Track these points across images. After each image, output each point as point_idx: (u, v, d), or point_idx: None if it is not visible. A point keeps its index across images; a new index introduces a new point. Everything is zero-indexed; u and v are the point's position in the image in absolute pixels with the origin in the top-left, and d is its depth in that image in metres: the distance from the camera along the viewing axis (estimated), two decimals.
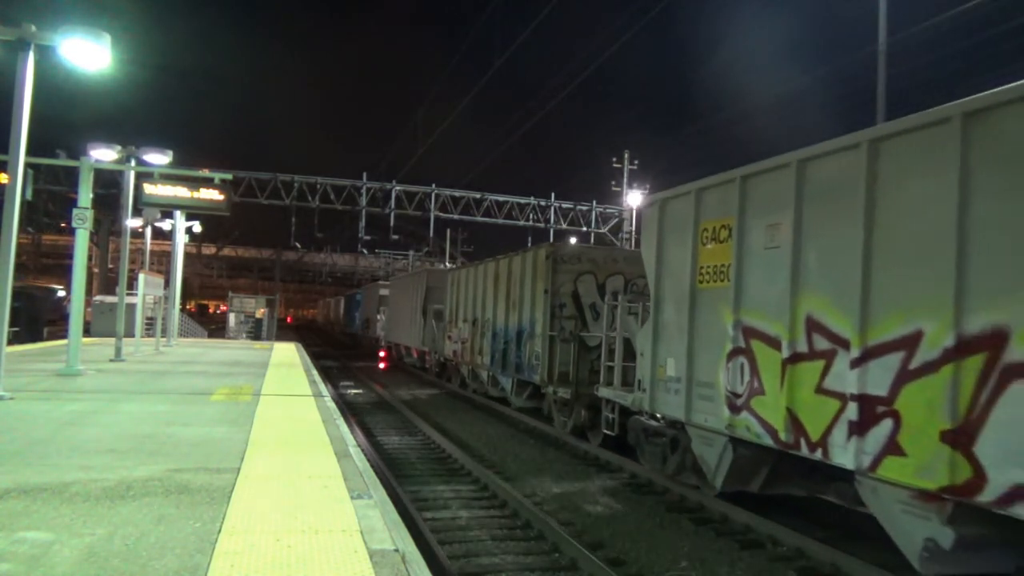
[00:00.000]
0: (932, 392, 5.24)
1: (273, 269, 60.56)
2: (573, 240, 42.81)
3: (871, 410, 5.77)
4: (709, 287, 7.99)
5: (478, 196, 41.71)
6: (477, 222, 42.96)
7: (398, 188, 40.79)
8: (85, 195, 12.25)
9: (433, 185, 41.38)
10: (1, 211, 8.84)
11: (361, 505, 4.68)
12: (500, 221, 42.23)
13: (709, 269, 7.99)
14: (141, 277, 18.50)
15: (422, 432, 13.61)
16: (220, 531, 3.98)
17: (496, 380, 17.14)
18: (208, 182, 12.81)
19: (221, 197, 12.66)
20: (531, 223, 42.37)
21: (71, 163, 14.66)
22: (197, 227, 24.93)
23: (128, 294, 16.30)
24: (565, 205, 42.97)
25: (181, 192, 12.54)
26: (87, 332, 20.59)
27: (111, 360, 14.88)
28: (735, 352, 7.48)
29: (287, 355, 19.93)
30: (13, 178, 8.85)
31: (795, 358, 6.63)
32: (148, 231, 19.45)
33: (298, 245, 52.25)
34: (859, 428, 5.86)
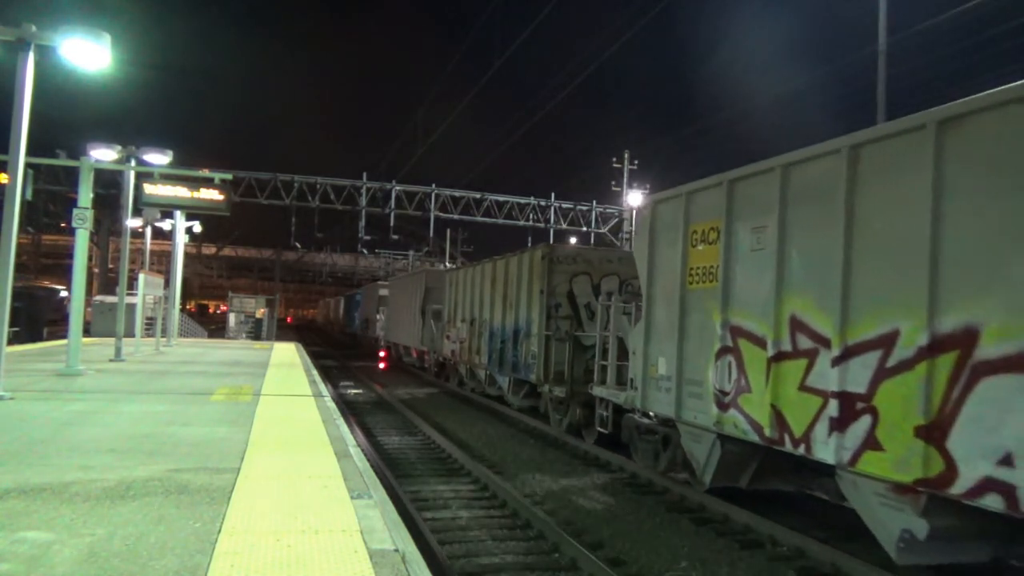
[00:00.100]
0: (908, 389, 5.44)
1: (273, 269, 60.54)
2: (573, 240, 42.88)
3: (851, 407, 5.97)
4: (698, 288, 8.19)
5: (478, 196, 41.71)
6: (477, 222, 43.00)
7: (398, 188, 40.79)
8: (85, 195, 12.25)
9: (433, 185, 41.39)
10: (1, 211, 8.84)
11: (361, 505, 4.68)
12: (500, 221, 42.23)
13: (699, 270, 8.20)
14: (141, 277, 18.51)
15: (422, 432, 13.61)
16: (220, 531, 3.98)
17: (493, 379, 17.24)
18: (208, 182, 12.81)
19: (221, 197, 12.66)
20: (531, 223, 42.36)
21: (71, 163, 14.65)
22: (197, 227, 24.92)
23: (128, 294, 16.30)
24: (565, 205, 42.96)
25: (181, 192, 12.55)
26: (87, 332, 20.59)
27: (111, 360, 14.88)
28: (723, 351, 7.69)
29: (287, 355, 19.93)
30: (13, 178, 8.85)
31: (779, 357, 6.84)
32: (148, 231, 19.44)
33: (298, 245, 52.21)
34: (839, 424, 6.07)
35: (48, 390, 9.95)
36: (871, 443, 5.75)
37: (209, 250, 57.15)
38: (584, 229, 42.87)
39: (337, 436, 7.19)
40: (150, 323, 22.26)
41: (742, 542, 7.21)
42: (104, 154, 13.48)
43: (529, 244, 36.47)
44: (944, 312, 5.22)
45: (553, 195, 42.80)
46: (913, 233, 5.47)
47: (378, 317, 33.49)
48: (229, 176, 13.31)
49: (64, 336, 17.25)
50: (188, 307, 52.09)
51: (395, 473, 9.97)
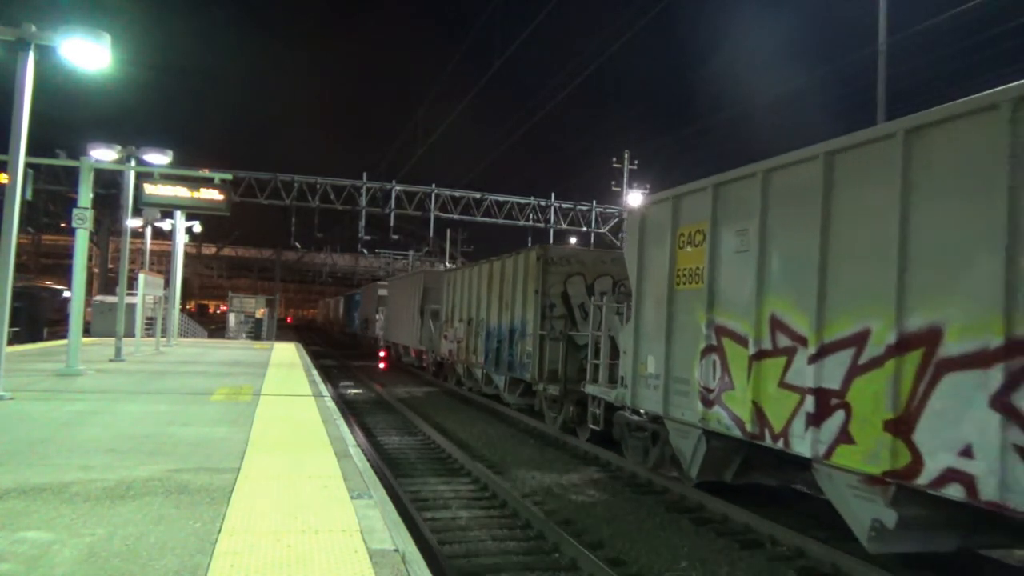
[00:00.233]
0: (877, 385, 5.69)
1: (273, 269, 60.51)
2: (573, 240, 42.88)
3: (826, 402, 6.23)
4: (685, 288, 8.46)
5: (478, 196, 41.69)
6: (477, 222, 42.97)
7: (398, 188, 40.78)
8: (85, 195, 12.25)
9: (433, 185, 41.38)
10: (1, 211, 8.84)
11: (361, 505, 4.68)
12: (500, 221, 42.21)
13: (685, 271, 8.46)
14: (141, 277, 18.52)
15: (422, 432, 13.61)
16: (220, 531, 3.98)
17: (490, 378, 17.38)
18: (208, 182, 12.81)
19: (221, 197, 12.66)
20: (531, 223, 42.34)
21: (71, 163, 14.65)
22: (197, 227, 24.91)
23: (128, 294, 16.30)
24: (565, 205, 42.95)
25: (181, 192, 12.54)
26: (87, 332, 20.60)
27: (111, 360, 14.88)
28: (708, 349, 7.94)
29: (287, 355, 19.94)
30: (13, 178, 8.84)
31: (760, 355, 7.09)
32: (148, 231, 19.45)
33: (298, 245, 52.17)
34: (815, 419, 6.32)
35: (48, 390, 9.95)
36: (844, 437, 6.01)
37: (209, 250, 57.14)
38: (584, 229, 42.86)
39: (337, 436, 7.19)
40: (150, 323, 22.27)
41: (742, 542, 7.22)
42: (104, 154, 13.48)
43: (529, 244, 36.51)
44: (911, 312, 5.48)
45: (553, 195, 42.82)
46: (883, 237, 5.73)
47: (377, 317, 33.51)
48: (229, 176, 13.30)
49: (65, 336, 17.25)
50: (188, 307, 52.06)
51: (395, 473, 9.97)
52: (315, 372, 15.01)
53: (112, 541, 3.75)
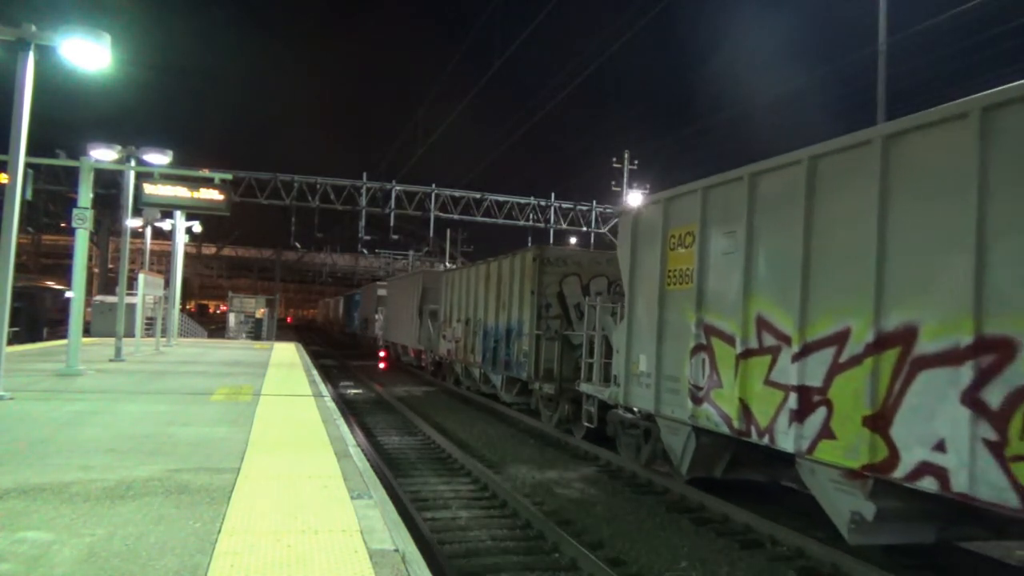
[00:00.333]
0: (857, 382, 5.90)
1: (273, 269, 60.49)
2: (573, 240, 42.87)
3: (808, 399, 6.44)
4: (676, 289, 8.66)
5: (478, 196, 41.65)
6: (477, 222, 42.91)
7: (398, 188, 40.76)
8: (85, 195, 12.25)
9: (433, 185, 41.34)
10: (1, 211, 8.84)
11: (361, 505, 4.68)
12: (500, 221, 42.17)
13: (676, 272, 8.67)
14: (141, 277, 18.51)
15: (422, 432, 13.62)
16: (220, 531, 3.98)
17: (487, 377, 17.51)
18: (208, 182, 12.80)
19: (221, 197, 12.65)
20: (531, 223, 42.31)
21: (71, 163, 14.64)
22: (197, 227, 24.91)
23: (128, 294, 16.30)
24: (565, 205, 42.91)
25: (181, 192, 12.54)
26: (87, 332, 20.59)
27: (111, 360, 14.88)
28: (697, 348, 8.14)
29: (287, 355, 19.94)
30: (13, 178, 8.84)
31: (747, 354, 7.29)
32: (148, 231, 19.44)
33: (298, 245, 52.13)
34: (799, 415, 6.53)
35: (48, 390, 9.95)
36: (826, 432, 6.21)
37: (209, 250, 57.12)
38: (584, 229, 42.83)
39: (337, 436, 7.19)
40: (150, 323, 22.27)
41: (742, 542, 7.22)
42: (104, 154, 13.47)
43: (529, 244, 36.48)
44: (888, 312, 5.68)
45: (553, 195, 42.77)
46: (863, 238, 5.92)
47: (377, 317, 33.54)
48: (229, 176, 13.30)
49: (65, 336, 17.24)
50: (188, 307, 52.08)
51: (395, 473, 9.97)
52: (315, 372, 15.01)
53: (112, 541, 3.75)
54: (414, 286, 25.53)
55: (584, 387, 11.46)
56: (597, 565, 6.28)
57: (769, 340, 6.98)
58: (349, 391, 20.52)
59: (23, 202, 9.20)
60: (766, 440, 6.94)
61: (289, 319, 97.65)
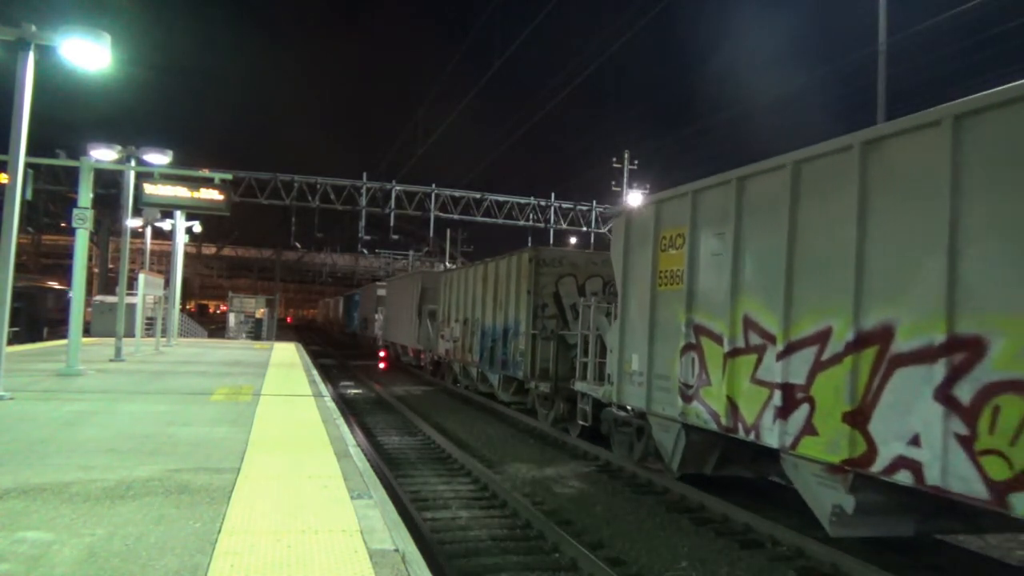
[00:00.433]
0: (837, 380, 6.08)
1: (273, 269, 60.51)
2: (573, 240, 42.87)
3: (792, 396, 6.62)
4: (667, 290, 8.84)
5: (478, 196, 41.64)
6: (477, 222, 42.89)
7: (398, 188, 40.74)
8: (85, 195, 12.25)
9: (433, 185, 41.32)
10: (1, 211, 8.84)
11: (361, 505, 4.68)
12: (500, 221, 42.15)
13: (667, 273, 8.84)
14: (141, 277, 18.51)
15: (422, 432, 13.62)
16: (220, 531, 3.98)
17: (485, 377, 17.64)
18: (208, 182, 12.81)
19: (221, 197, 12.66)
20: (531, 223, 42.30)
21: (71, 163, 14.65)
22: (197, 227, 24.92)
23: (128, 294, 16.30)
24: (565, 205, 42.90)
25: (181, 192, 12.54)
26: (87, 332, 20.59)
27: (111, 360, 14.88)
28: (687, 347, 8.31)
29: (287, 355, 19.94)
30: (13, 178, 8.84)
31: (734, 352, 7.47)
32: (148, 231, 19.46)
33: (298, 245, 52.17)
34: (783, 412, 6.71)
35: (48, 390, 9.95)
36: (808, 428, 6.40)
37: (209, 250, 57.15)
38: (584, 229, 42.82)
39: (337, 436, 7.19)
40: (150, 323, 22.26)
41: (742, 542, 7.22)
42: (104, 154, 13.48)
43: (529, 244, 36.50)
44: (867, 312, 5.85)
45: (553, 195, 42.76)
46: (844, 241, 6.08)
47: (376, 317, 33.56)
48: (229, 176, 13.30)
49: (65, 336, 17.24)
50: (188, 307, 52.06)
51: (395, 473, 9.97)
52: (315, 372, 15.01)
53: (112, 541, 3.75)
54: (413, 286, 25.61)
55: (579, 386, 11.63)
56: (597, 565, 6.28)
57: (755, 339, 7.16)
58: (349, 391, 20.53)
59: (23, 202, 9.20)
60: (752, 436, 7.13)
61: (289, 319, 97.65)
